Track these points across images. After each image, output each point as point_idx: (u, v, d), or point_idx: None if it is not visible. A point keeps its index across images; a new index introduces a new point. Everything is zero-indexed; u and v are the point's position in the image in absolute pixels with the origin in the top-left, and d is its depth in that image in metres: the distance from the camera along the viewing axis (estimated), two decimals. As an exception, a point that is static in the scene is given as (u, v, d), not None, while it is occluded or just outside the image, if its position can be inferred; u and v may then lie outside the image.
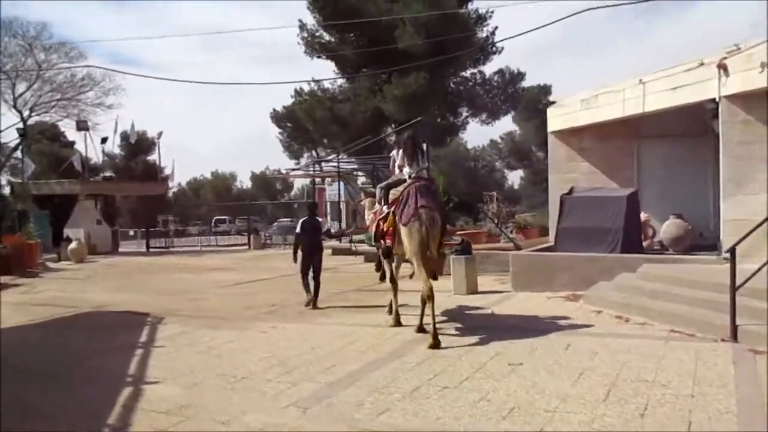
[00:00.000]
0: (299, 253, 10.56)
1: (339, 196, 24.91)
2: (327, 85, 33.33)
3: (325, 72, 35.19)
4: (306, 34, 31.61)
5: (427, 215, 7.38)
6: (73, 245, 23.02)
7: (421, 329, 7.76)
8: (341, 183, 25.01)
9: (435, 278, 7.53)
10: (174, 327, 9.06)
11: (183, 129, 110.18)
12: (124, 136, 47.31)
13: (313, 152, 65.36)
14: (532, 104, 51.76)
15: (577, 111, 12.89)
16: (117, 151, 55.24)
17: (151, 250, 29.47)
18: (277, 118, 60.53)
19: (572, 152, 13.57)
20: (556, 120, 13.64)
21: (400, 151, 8.41)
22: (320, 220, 11.95)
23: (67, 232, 25.41)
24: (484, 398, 5.22)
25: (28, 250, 19.53)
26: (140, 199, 45.41)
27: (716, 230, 12.46)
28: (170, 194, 48.10)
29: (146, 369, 6.72)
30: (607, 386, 5.40)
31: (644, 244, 12.22)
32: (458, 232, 16.24)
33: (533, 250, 11.81)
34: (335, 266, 18.25)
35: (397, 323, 8.28)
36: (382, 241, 8.45)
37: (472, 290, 11.05)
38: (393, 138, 29.82)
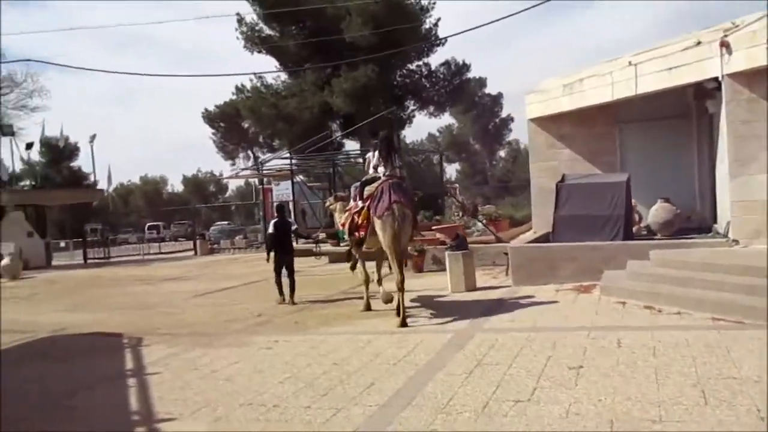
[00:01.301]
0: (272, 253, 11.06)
1: (293, 195, 23.84)
2: (270, 80, 32.09)
3: (266, 68, 33.75)
4: (245, 28, 30.26)
5: (399, 210, 8.03)
6: (5, 261, 21.04)
7: (403, 321, 8.02)
8: (294, 182, 23.98)
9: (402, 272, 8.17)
10: (159, 348, 8.03)
11: (106, 133, 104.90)
12: (45, 142, 44.37)
13: (249, 152, 63.77)
14: (469, 97, 52.11)
15: (559, 96, 12.54)
16: (37, 157, 51.81)
17: (88, 261, 27.52)
18: (210, 118, 58.66)
19: (552, 139, 13.23)
20: (536, 106, 13.25)
21: (376, 152, 8.86)
22: (290, 221, 12.38)
23: (-3, 246, 23.21)
24: (571, 411, 4.61)
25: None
26: (65, 208, 42.51)
27: (702, 212, 12.43)
28: (96, 201, 45.32)
29: (151, 402, 5.75)
30: (696, 386, 4.90)
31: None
32: (433, 227, 15.70)
33: (530, 242, 11.35)
34: (300, 269, 17.30)
35: (368, 308, 9.18)
36: (355, 233, 8.99)
37: (471, 287, 10.49)
38: (339, 134, 29.03)
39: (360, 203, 8.80)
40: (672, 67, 10.03)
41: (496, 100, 62.97)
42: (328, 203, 12.78)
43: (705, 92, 10.98)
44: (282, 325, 9.11)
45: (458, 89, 33.63)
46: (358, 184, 9.39)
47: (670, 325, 6.91)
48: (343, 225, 10.11)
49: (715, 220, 11.61)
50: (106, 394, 6.22)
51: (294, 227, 12.60)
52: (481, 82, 54.39)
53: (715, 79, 9.38)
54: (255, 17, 30.02)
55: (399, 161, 8.94)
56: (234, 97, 35.14)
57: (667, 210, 11.68)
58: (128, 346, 8.43)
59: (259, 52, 30.77)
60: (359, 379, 5.87)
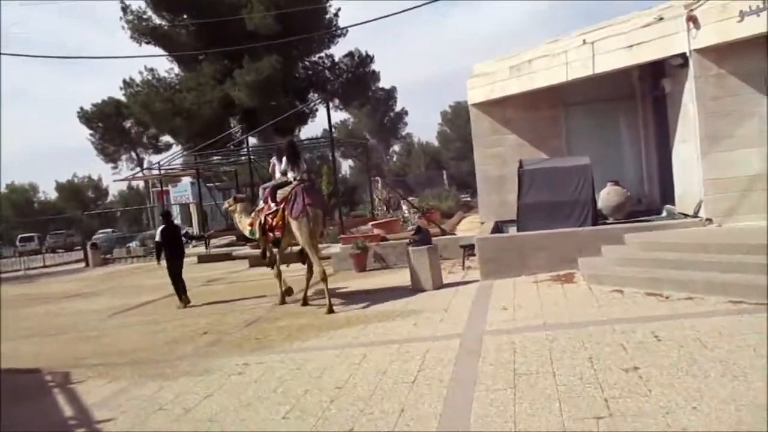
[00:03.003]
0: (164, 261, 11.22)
1: (200, 197, 21.97)
2: (163, 73, 29.61)
3: (156, 62, 31.10)
4: (131, 17, 27.68)
5: (312, 212, 9.08)
6: None
7: (305, 302, 9.59)
8: (199, 182, 22.15)
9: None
10: (98, 385, 6.56)
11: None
12: None
13: (132, 153, 59.62)
14: (367, 90, 51.37)
15: (506, 79, 11.99)
16: None
17: (-42, 281, 24.05)
18: (87, 118, 54.16)
19: (496, 125, 12.70)
20: (479, 90, 12.63)
21: (283, 157, 9.66)
22: (179, 225, 13.18)
23: None
24: (672, 425, 3.91)
25: None
26: None
27: (651, 194, 12.38)
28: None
29: (123, 462, 4.45)
30: (784, 383, 4.35)
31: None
32: (371, 223, 14.77)
33: (491, 233, 10.68)
34: (222, 276, 15.84)
35: (283, 302, 9.96)
36: (270, 233, 9.78)
37: (438, 284, 9.66)
38: (249, 132, 27.43)
39: (273, 205, 9.48)
40: (633, 44, 9.71)
41: (390, 93, 62.73)
42: (227, 205, 12.82)
43: (655, 72, 10.83)
44: (239, 342, 7.84)
45: (361, 82, 32.82)
46: (267, 185, 10.05)
47: (694, 312, 6.41)
48: (252, 224, 10.53)
49: (664, 202, 11.55)
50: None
51: (184, 230, 13.06)
52: (376, 76, 53.83)
53: (682, 55, 9.14)
54: (143, 4, 27.62)
55: (304, 165, 9.90)
56: (115, 96, 32.32)
57: (618, 193, 11.46)
58: (54, 384, 6.86)
59: (148, 42, 28.28)
60: (382, 405, 4.87)
